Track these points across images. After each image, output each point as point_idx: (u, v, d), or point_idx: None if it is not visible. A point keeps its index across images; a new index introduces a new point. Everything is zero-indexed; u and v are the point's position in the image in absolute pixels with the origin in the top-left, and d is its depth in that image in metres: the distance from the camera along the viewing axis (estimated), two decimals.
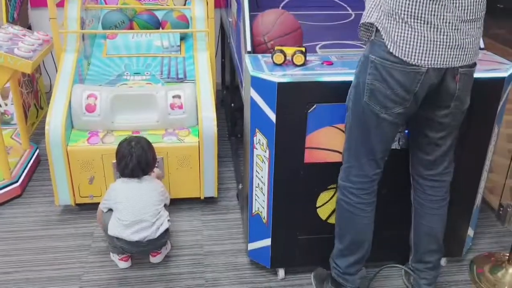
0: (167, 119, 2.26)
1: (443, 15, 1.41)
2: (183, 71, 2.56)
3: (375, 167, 1.67)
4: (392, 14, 1.44)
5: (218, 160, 2.37)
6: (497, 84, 1.74)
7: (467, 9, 1.44)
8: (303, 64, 1.78)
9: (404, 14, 1.42)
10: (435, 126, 1.62)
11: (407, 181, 1.82)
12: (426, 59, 1.45)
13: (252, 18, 2.04)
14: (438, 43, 1.43)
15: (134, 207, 1.94)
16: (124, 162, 1.98)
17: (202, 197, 2.40)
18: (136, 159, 1.97)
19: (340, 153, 1.79)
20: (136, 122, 2.27)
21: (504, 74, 1.75)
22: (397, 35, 1.44)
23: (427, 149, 1.69)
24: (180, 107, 2.27)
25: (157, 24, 2.71)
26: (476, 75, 1.60)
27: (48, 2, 2.30)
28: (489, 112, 1.80)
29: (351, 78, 1.70)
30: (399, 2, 1.42)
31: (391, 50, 1.46)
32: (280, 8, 2.46)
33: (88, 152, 2.20)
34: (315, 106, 1.72)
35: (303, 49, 1.80)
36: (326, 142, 1.78)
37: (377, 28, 1.49)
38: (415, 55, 1.44)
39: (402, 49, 1.45)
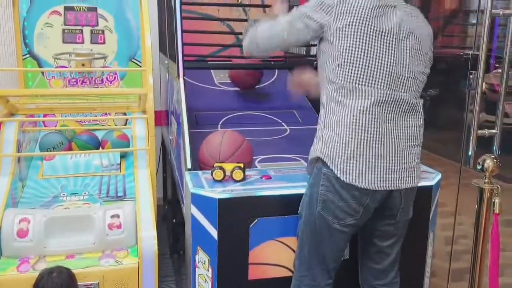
0: (104, 240, 2.17)
1: (390, 141, 1.55)
2: (123, 189, 2.52)
3: (327, 277, 1.66)
4: (343, 145, 1.54)
5: (159, 281, 2.25)
6: (426, 193, 1.84)
7: (411, 134, 1.60)
8: (243, 179, 1.81)
9: (355, 144, 1.53)
10: (383, 235, 1.68)
11: None
12: (373, 184, 1.54)
13: (191, 135, 2.10)
14: (385, 168, 1.55)
15: None
16: None
17: None
18: None
19: (284, 267, 1.76)
20: (70, 246, 2.15)
21: (431, 183, 1.86)
22: (344, 165, 1.53)
23: (376, 258, 1.72)
24: (119, 226, 2.20)
25: (97, 144, 2.71)
26: None
27: None
28: (422, 220, 1.87)
29: (289, 191, 1.75)
30: (350, 135, 1.53)
31: (339, 176, 1.54)
32: (219, 125, 2.56)
33: (18, 281, 2.02)
34: (256, 220, 1.72)
35: (242, 164, 1.84)
36: (269, 256, 1.76)
37: (323, 160, 1.58)
38: (363, 181, 1.53)
39: (350, 177, 1.53)
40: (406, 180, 1.59)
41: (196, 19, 2.92)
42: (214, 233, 1.68)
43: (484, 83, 1.96)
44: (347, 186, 1.54)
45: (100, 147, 2.71)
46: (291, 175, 1.90)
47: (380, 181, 1.55)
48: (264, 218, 1.73)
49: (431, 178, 1.89)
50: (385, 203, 1.60)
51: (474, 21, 2.46)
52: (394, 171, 1.56)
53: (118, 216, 2.22)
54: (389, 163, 1.55)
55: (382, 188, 1.55)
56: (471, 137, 2.02)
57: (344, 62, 1.54)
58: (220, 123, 2.58)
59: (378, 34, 1.53)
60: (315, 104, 2.03)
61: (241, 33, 3.11)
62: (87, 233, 2.18)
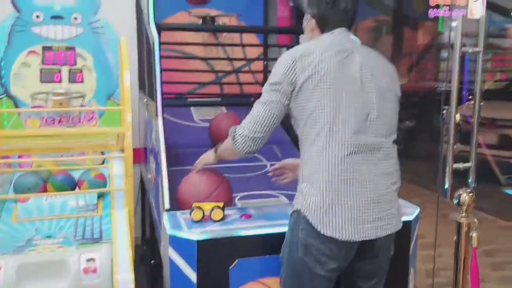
0: (79, 286, 2.10)
1: (368, 189, 1.54)
2: (99, 230, 2.46)
3: None
4: (321, 198, 1.52)
5: None
6: (405, 228, 1.83)
7: (389, 180, 1.60)
8: (222, 219, 1.79)
9: (333, 197, 1.51)
10: (365, 275, 1.65)
11: None
12: (353, 236, 1.52)
13: (171, 173, 2.08)
14: (363, 219, 1.53)
15: None
16: None
17: None
18: None
19: None
20: None
21: (410, 218, 1.87)
22: (323, 218, 1.52)
23: None
24: (95, 271, 2.14)
25: (73, 185, 2.66)
26: None
27: None
28: (403, 256, 1.86)
29: (270, 230, 1.73)
30: (327, 188, 1.52)
31: (319, 230, 1.52)
32: None
33: None
34: (236, 261, 1.70)
35: (221, 204, 1.82)
36: None
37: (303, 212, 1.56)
38: (342, 234, 1.51)
39: (329, 230, 1.51)
40: (386, 228, 1.58)
41: (175, 58, 2.94)
42: (193, 277, 1.65)
43: (458, 114, 2.01)
44: (327, 237, 1.52)
45: (77, 187, 2.66)
46: (271, 213, 1.89)
47: (360, 232, 1.53)
48: (244, 259, 1.70)
49: (409, 212, 1.90)
50: (366, 245, 1.58)
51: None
52: (374, 220, 1.55)
53: (93, 260, 2.16)
54: (368, 212, 1.53)
55: (362, 239, 1.54)
56: (447, 170, 2.06)
57: (313, 113, 1.55)
58: None
59: (342, 80, 1.55)
60: (294, 138, 2.04)
61: (220, 71, 3.17)
62: (61, 279, 2.11)
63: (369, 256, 1.62)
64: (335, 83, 1.54)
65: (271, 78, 1.64)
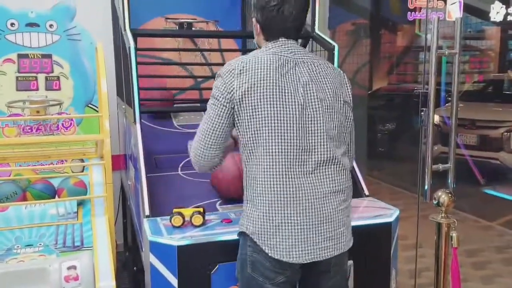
0: None
1: (316, 210, 1.50)
2: (80, 238, 2.44)
3: None
4: (267, 220, 1.49)
5: None
6: (385, 229, 1.86)
7: (339, 199, 1.55)
8: (203, 224, 1.79)
9: (279, 219, 1.49)
10: None
11: None
12: (301, 258, 1.50)
13: (151, 179, 2.06)
14: (312, 240, 1.50)
15: None
16: None
17: None
18: None
19: None
20: None
21: (390, 219, 1.88)
22: (270, 242, 1.49)
23: None
24: (76, 278, 2.11)
25: (53, 193, 2.63)
26: (365, 222, 1.71)
27: None
28: (384, 258, 1.87)
29: None
30: (273, 210, 1.48)
31: (267, 252, 1.50)
32: (179, 168, 2.52)
33: None
34: (217, 266, 1.69)
35: (201, 209, 1.82)
36: None
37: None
38: (290, 256, 1.49)
39: (277, 252, 1.49)
40: (336, 247, 1.53)
41: (152, 64, 2.93)
42: (174, 282, 1.64)
43: (437, 117, 2.02)
44: (274, 259, 1.50)
45: (56, 195, 2.63)
46: None
47: (308, 254, 1.50)
48: (225, 264, 1.70)
49: (389, 214, 1.92)
50: (313, 263, 1.54)
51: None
52: (323, 240, 1.51)
53: (75, 267, 2.13)
54: (316, 233, 1.50)
55: (311, 261, 1.51)
56: (426, 172, 2.08)
57: (256, 133, 1.49)
58: (180, 165, 2.55)
59: (285, 96, 1.49)
60: None
61: (199, 76, 3.17)
62: (43, 287, 2.08)
63: (322, 271, 1.59)
64: (277, 101, 1.48)
65: (213, 91, 1.56)
